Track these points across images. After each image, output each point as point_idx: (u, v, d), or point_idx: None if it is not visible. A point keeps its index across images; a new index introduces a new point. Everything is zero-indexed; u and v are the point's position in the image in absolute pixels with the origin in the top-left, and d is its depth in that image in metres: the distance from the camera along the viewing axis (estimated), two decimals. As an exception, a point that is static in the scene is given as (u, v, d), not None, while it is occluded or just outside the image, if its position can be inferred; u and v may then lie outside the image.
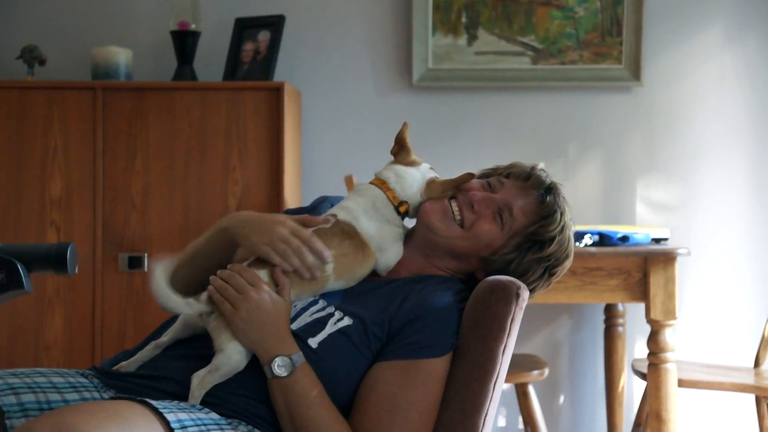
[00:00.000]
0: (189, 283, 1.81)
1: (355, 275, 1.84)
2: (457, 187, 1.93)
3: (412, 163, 1.93)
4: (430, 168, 1.96)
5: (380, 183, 1.89)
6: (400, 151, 1.95)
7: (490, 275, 1.88)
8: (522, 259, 1.90)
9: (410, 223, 1.97)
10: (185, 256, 1.92)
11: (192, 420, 1.55)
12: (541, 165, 2.00)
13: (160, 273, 1.71)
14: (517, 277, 1.88)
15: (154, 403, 1.52)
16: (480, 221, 1.90)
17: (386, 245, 1.87)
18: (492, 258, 1.90)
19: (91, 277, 3.55)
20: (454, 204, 1.91)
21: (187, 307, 1.72)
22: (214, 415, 1.64)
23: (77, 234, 3.55)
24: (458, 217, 1.90)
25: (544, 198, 1.92)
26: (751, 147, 3.93)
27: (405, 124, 1.96)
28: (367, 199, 1.87)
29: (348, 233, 1.83)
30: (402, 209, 1.89)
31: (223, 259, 1.84)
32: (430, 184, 1.92)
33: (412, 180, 1.91)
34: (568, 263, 1.96)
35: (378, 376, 1.74)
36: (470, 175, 1.94)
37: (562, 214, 1.93)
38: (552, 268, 1.94)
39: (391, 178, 1.89)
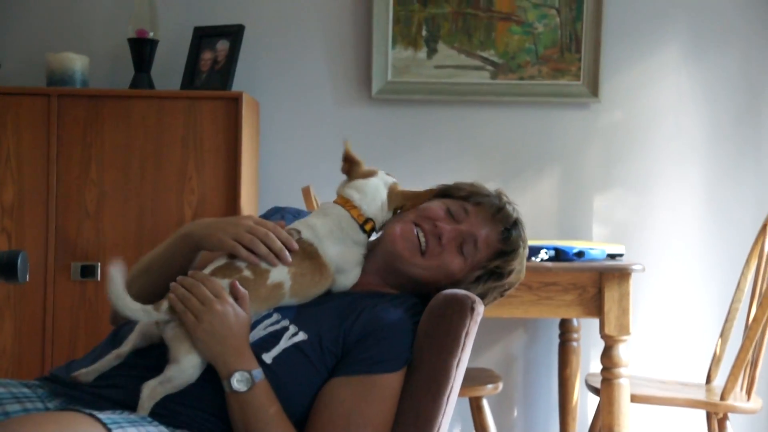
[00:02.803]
0: (147, 292, 1.80)
1: (308, 295, 1.84)
2: (420, 211, 1.93)
3: (368, 174, 1.93)
4: (387, 174, 1.96)
5: (344, 202, 1.89)
6: (352, 166, 1.94)
7: None
8: (481, 288, 1.93)
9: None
10: (142, 265, 1.91)
11: (140, 433, 1.54)
12: (502, 191, 2.01)
13: (116, 276, 1.68)
14: None
15: (101, 416, 1.50)
16: (445, 253, 1.91)
17: (347, 268, 1.87)
18: (452, 288, 1.91)
19: (43, 285, 3.51)
20: (420, 233, 1.91)
21: (145, 315, 1.70)
22: (163, 428, 1.62)
23: (29, 242, 3.51)
24: (424, 248, 1.90)
25: (509, 233, 1.94)
26: (707, 164, 3.98)
27: (346, 141, 1.95)
28: (332, 220, 1.87)
29: (309, 253, 1.83)
30: (367, 227, 1.89)
31: (183, 267, 1.83)
32: (392, 191, 1.93)
33: (375, 192, 1.90)
34: (518, 283, 2.01)
35: (332, 391, 1.74)
36: (431, 192, 1.97)
37: (524, 248, 1.97)
38: (506, 291, 1.99)
39: (354, 196, 1.89)
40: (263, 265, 1.78)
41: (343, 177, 1.97)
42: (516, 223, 1.96)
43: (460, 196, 1.98)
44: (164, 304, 1.71)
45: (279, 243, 1.79)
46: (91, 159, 3.55)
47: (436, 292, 1.89)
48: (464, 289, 1.90)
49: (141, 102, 3.58)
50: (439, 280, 1.91)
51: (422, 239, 1.90)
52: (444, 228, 1.90)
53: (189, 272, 1.77)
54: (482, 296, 1.92)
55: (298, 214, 2.05)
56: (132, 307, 1.69)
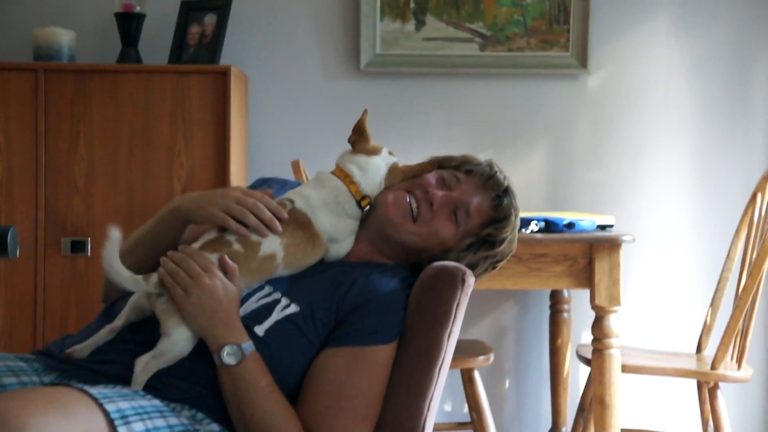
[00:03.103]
0: (137, 268, 1.78)
1: (301, 265, 1.84)
2: (412, 180, 1.94)
3: (372, 151, 1.92)
4: (390, 153, 1.96)
5: (343, 176, 1.88)
6: (359, 139, 1.93)
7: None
8: (472, 257, 1.93)
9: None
10: (132, 241, 1.90)
11: (133, 408, 1.54)
12: (493, 161, 2.01)
13: (111, 243, 1.68)
14: None
15: (93, 392, 1.50)
16: (436, 219, 1.91)
17: (340, 238, 1.87)
18: (444, 257, 1.92)
19: (33, 261, 3.50)
20: (412, 199, 1.91)
21: (134, 284, 1.70)
22: (157, 402, 1.62)
23: (19, 218, 3.50)
24: (416, 213, 1.91)
25: (500, 200, 1.94)
26: (697, 135, 3.98)
27: (365, 111, 1.94)
28: (328, 192, 1.86)
29: (302, 223, 1.82)
30: (364, 203, 1.89)
31: (173, 243, 1.83)
32: (392, 171, 1.93)
33: (376, 172, 1.90)
34: (512, 254, 2.01)
35: (325, 363, 1.74)
36: (431, 165, 1.96)
37: (516, 217, 1.97)
38: (497, 262, 1.98)
39: (355, 172, 1.88)
40: (254, 237, 1.78)
41: (339, 149, 1.96)
42: (507, 191, 1.96)
43: (451, 166, 1.99)
44: (153, 278, 1.71)
45: (268, 213, 1.79)
46: (79, 134, 3.53)
47: (429, 263, 1.89)
48: (456, 257, 1.91)
49: (129, 77, 3.56)
50: (431, 247, 1.92)
51: (414, 205, 1.90)
52: (435, 194, 1.91)
53: (179, 247, 1.77)
54: (474, 266, 1.93)
55: (285, 184, 2.05)
56: (124, 275, 1.69)
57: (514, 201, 1.97)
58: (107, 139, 3.54)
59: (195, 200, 1.83)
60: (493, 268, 1.98)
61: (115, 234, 1.68)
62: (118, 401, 1.52)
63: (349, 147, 1.96)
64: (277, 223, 1.79)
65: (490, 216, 1.94)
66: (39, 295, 3.51)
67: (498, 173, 1.97)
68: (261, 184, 2.05)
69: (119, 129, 3.54)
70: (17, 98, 3.53)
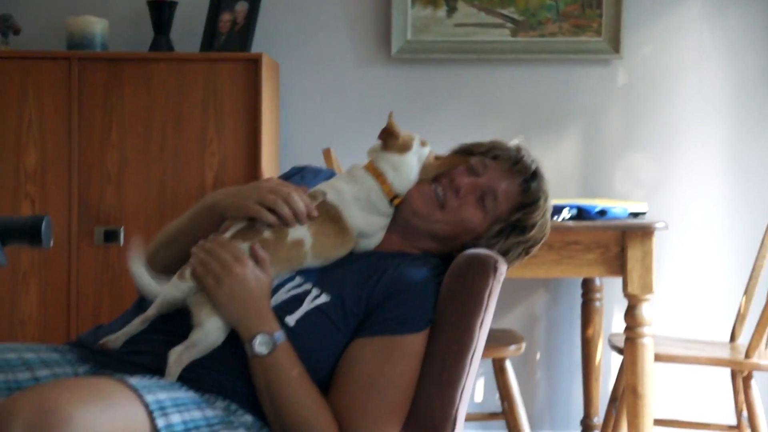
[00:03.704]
0: (173, 262, 1.81)
1: (330, 257, 1.84)
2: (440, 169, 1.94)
3: (404, 147, 1.90)
4: (422, 142, 1.94)
5: (377, 174, 1.88)
6: (389, 137, 1.92)
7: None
8: (504, 243, 1.92)
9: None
10: (166, 235, 1.91)
11: (171, 399, 1.54)
12: (519, 140, 2.01)
13: (138, 267, 1.72)
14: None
15: (132, 382, 1.51)
16: (464, 206, 1.90)
17: (370, 233, 1.88)
18: (474, 244, 1.91)
19: (67, 250, 3.53)
20: (438, 187, 1.91)
21: (176, 290, 1.72)
22: (192, 393, 1.63)
23: (52, 207, 3.53)
24: (442, 201, 1.90)
25: (528, 185, 1.93)
26: (730, 121, 3.95)
27: (391, 114, 1.92)
28: (362, 189, 1.87)
29: (332, 217, 1.83)
30: (395, 202, 1.89)
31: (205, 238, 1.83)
32: (426, 167, 1.92)
33: (410, 171, 1.90)
34: (544, 240, 1.99)
35: (356, 353, 1.74)
36: (464, 160, 1.95)
37: (545, 201, 1.95)
38: (530, 248, 1.97)
39: (389, 172, 1.88)
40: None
41: (370, 137, 1.96)
42: (535, 175, 1.94)
43: (479, 152, 1.98)
44: (187, 271, 1.73)
45: (301, 204, 1.79)
46: (112, 123, 3.55)
47: (461, 251, 1.89)
48: (486, 244, 1.90)
49: (161, 65, 3.58)
50: (459, 234, 1.91)
51: (440, 193, 1.90)
52: (462, 181, 1.90)
53: (210, 237, 1.78)
54: (505, 253, 1.92)
55: (318, 173, 2.06)
56: (163, 290, 1.72)
57: (543, 185, 1.95)
58: (140, 127, 3.56)
59: (230, 195, 1.84)
60: (527, 253, 1.97)
61: (137, 257, 1.72)
62: (157, 392, 1.53)
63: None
64: (312, 211, 1.80)
65: (519, 201, 1.92)
66: (72, 285, 3.54)
67: (525, 157, 1.95)
68: (296, 172, 2.06)
69: (151, 118, 3.56)
70: (51, 87, 3.56)
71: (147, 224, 3.52)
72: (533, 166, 1.95)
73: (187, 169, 3.55)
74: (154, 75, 3.57)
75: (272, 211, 1.78)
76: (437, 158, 1.96)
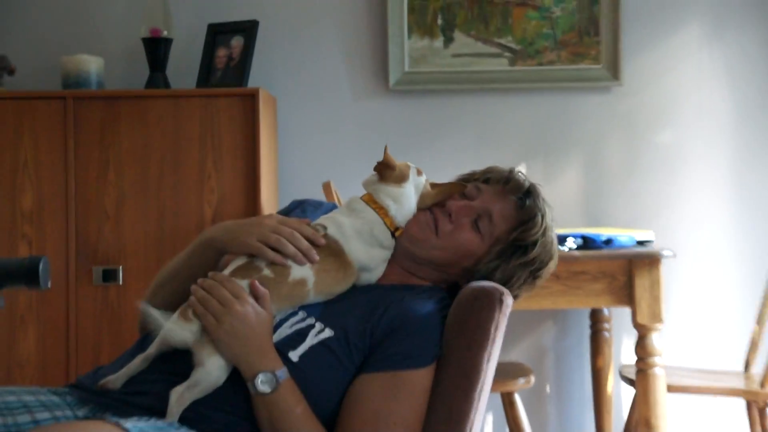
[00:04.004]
0: (172, 301, 1.80)
1: (332, 292, 1.83)
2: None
3: (401, 178, 1.90)
4: (417, 171, 1.94)
5: (378, 208, 1.88)
6: (385, 170, 1.91)
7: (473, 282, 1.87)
8: (507, 266, 1.90)
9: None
10: (165, 273, 1.90)
11: (167, 441, 1.53)
12: (519, 168, 2.00)
13: (152, 313, 1.72)
14: (502, 284, 1.87)
15: (128, 425, 1.50)
16: (457, 230, 1.90)
17: (372, 267, 1.87)
18: (476, 268, 1.90)
19: (65, 291, 3.51)
20: (431, 215, 1.91)
21: (185, 332, 1.71)
22: (191, 433, 1.61)
23: (50, 247, 3.51)
24: (436, 226, 1.90)
25: (523, 202, 1.92)
26: (733, 144, 3.94)
27: (386, 148, 1.92)
28: (363, 223, 1.86)
29: (334, 251, 1.82)
30: (397, 234, 1.89)
31: (208, 273, 1.81)
32: (423, 197, 1.92)
33: (409, 202, 1.90)
34: (552, 265, 1.96)
35: (361, 389, 1.73)
36: (462, 186, 1.94)
37: (543, 217, 1.92)
38: (536, 271, 1.94)
39: (391, 206, 1.88)
40: (288, 262, 1.77)
41: (370, 169, 1.95)
42: (529, 192, 1.94)
43: (474, 179, 1.99)
44: (190, 311, 1.72)
45: (305, 242, 1.79)
46: (109, 161, 3.54)
47: (465, 280, 1.88)
48: (487, 268, 1.88)
49: (157, 102, 3.57)
50: (459, 260, 1.90)
51: (433, 219, 1.90)
52: (453, 205, 1.91)
53: (209, 274, 1.76)
54: (510, 278, 1.89)
55: (319, 206, 2.05)
56: (182, 335, 1.71)
57: (539, 201, 1.93)
58: (137, 165, 3.54)
59: (229, 231, 1.83)
60: (534, 278, 1.94)
61: (145, 305, 1.73)
62: (153, 434, 1.51)
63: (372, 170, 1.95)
64: (314, 252, 1.79)
65: (516, 219, 1.91)
66: (72, 326, 3.51)
67: (518, 176, 1.96)
68: (296, 206, 2.05)
69: (149, 154, 3.55)
70: (46, 126, 3.55)
71: (146, 263, 3.50)
72: (526, 184, 1.95)
73: (186, 205, 3.54)
74: (151, 112, 3.56)
75: (275, 249, 1.77)
76: (434, 186, 1.96)
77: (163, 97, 3.59)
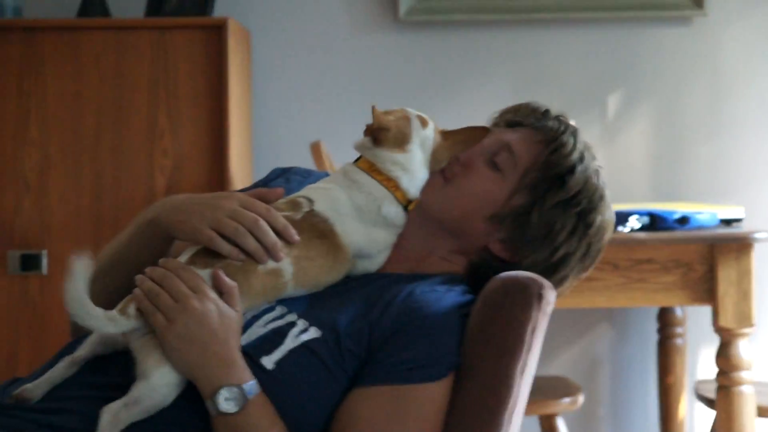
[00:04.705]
0: (110, 295, 1.79)
1: (318, 284, 1.84)
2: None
3: (402, 139, 1.90)
4: (421, 121, 1.93)
5: (385, 180, 1.88)
6: (380, 133, 1.90)
7: (509, 247, 1.90)
8: (542, 206, 1.91)
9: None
10: (103, 260, 1.90)
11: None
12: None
13: (79, 275, 1.67)
14: (544, 239, 1.89)
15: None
16: (471, 173, 1.93)
17: (372, 253, 1.89)
18: (501, 214, 1.91)
19: (-28, 282, 3.54)
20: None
21: (111, 325, 1.69)
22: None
23: (-49, 225, 3.54)
24: (444, 176, 1.94)
25: (542, 124, 1.98)
26: None
27: (373, 108, 1.91)
28: (368, 199, 1.87)
29: (321, 232, 1.83)
30: (410, 207, 1.91)
31: (154, 261, 1.81)
32: (437, 154, 1.93)
33: (420, 166, 1.91)
34: (608, 217, 1.96)
35: (356, 406, 1.73)
36: (484, 130, 1.96)
37: (574, 136, 1.96)
38: (585, 216, 1.93)
39: (402, 176, 1.88)
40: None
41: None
42: (547, 113, 2.00)
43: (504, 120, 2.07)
44: (131, 307, 1.71)
45: (272, 235, 1.78)
46: (29, 114, 3.56)
47: (490, 235, 1.91)
48: (519, 210, 1.90)
49: (93, 35, 3.58)
50: (478, 209, 1.92)
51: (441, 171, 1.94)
52: (466, 154, 1.95)
53: (160, 261, 1.76)
54: (551, 228, 1.90)
55: (307, 176, 2.06)
56: (96, 315, 1.68)
57: (563, 120, 1.99)
58: (66, 119, 3.56)
59: (177, 209, 1.83)
60: (585, 228, 1.93)
61: (80, 265, 1.67)
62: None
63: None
64: (280, 249, 1.78)
65: (539, 142, 1.95)
66: (-20, 326, 3.54)
67: (532, 102, 2.04)
68: (278, 176, 2.06)
69: (82, 106, 3.56)
70: (-53, 68, 3.57)
71: (78, 247, 3.49)
72: (543, 107, 2.02)
73: (131, 173, 3.55)
74: (85, 49, 3.57)
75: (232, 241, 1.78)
76: (446, 136, 1.96)
77: (100, 28, 3.60)
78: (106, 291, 1.82)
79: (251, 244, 1.76)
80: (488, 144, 1.94)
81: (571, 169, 1.92)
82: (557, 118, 1.99)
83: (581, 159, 1.94)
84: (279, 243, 1.78)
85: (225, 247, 1.76)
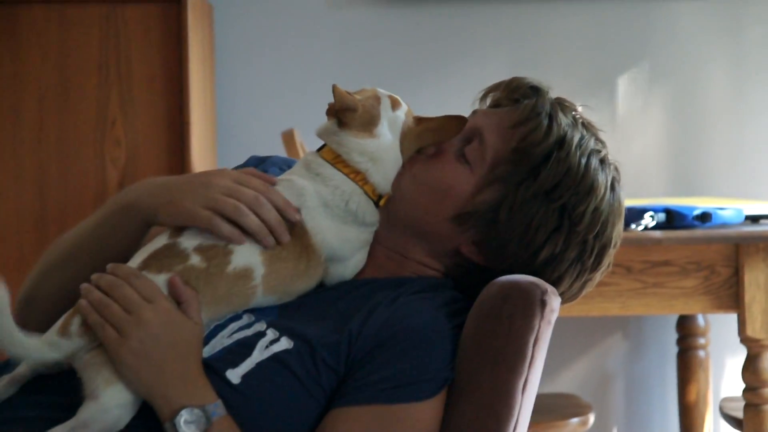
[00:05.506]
0: (68, 291, 1.79)
1: (289, 291, 1.85)
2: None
3: (369, 121, 1.90)
4: (392, 101, 1.93)
5: (353, 173, 1.88)
6: (346, 113, 1.90)
7: (482, 250, 1.89)
8: (513, 202, 1.88)
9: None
10: (61, 249, 1.91)
11: None
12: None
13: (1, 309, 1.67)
14: (520, 239, 1.86)
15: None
16: (433, 164, 1.92)
17: (345, 255, 1.88)
18: (466, 212, 1.89)
19: None
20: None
21: (53, 351, 1.69)
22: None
23: None
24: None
25: (519, 103, 1.96)
26: None
27: (334, 87, 1.90)
28: (334, 193, 1.86)
29: (290, 228, 1.82)
30: (382, 203, 1.90)
31: (125, 252, 1.82)
32: (405, 137, 1.92)
33: (393, 155, 1.91)
34: (605, 207, 1.92)
35: (335, 428, 1.73)
36: (462, 121, 1.93)
37: (551, 117, 1.92)
38: (571, 210, 1.89)
39: (370, 168, 1.88)
40: (223, 244, 1.78)
41: None
42: (527, 89, 1.98)
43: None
44: (75, 323, 1.70)
45: (275, 212, 1.79)
46: (-38, 99, 3.56)
47: (457, 236, 1.90)
48: (486, 206, 1.88)
49: (33, 9, 3.58)
50: (438, 201, 1.91)
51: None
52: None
53: (108, 267, 1.76)
54: (528, 223, 1.87)
55: (286, 166, 2.06)
56: (28, 344, 1.68)
57: (541, 101, 1.95)
58: (3, 105, 3.56)
59: (163, 191, 1.83)
60: (571, 225, 1.89)
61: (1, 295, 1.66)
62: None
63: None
64: (285, 228, 1.79)
65: (512, 126, 1.92)
66: None
67: (518, 78, 2.04)
68: (255, 165, 2.06)
69: (22, 89, 3.56)
70: None
71: (18, 252, 3.51)
72: (525, 83, 2.00)
73: (79, 165, 3.56)
74: (24, 25, 3.57)
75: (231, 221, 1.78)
76: (420, 122, 1.95)
77: (42, 2, 3.59)
78: (61, 288, 1.84)
79: (254, 222, 1.78)
80: (464, 131, 1.92)
81: (546, 158, 1.89)
82: (537, 94, 1.96)
83: (560, 144, 1.90)
84: (282, 223, 1.79)
85: (225, 228, 1.77)
